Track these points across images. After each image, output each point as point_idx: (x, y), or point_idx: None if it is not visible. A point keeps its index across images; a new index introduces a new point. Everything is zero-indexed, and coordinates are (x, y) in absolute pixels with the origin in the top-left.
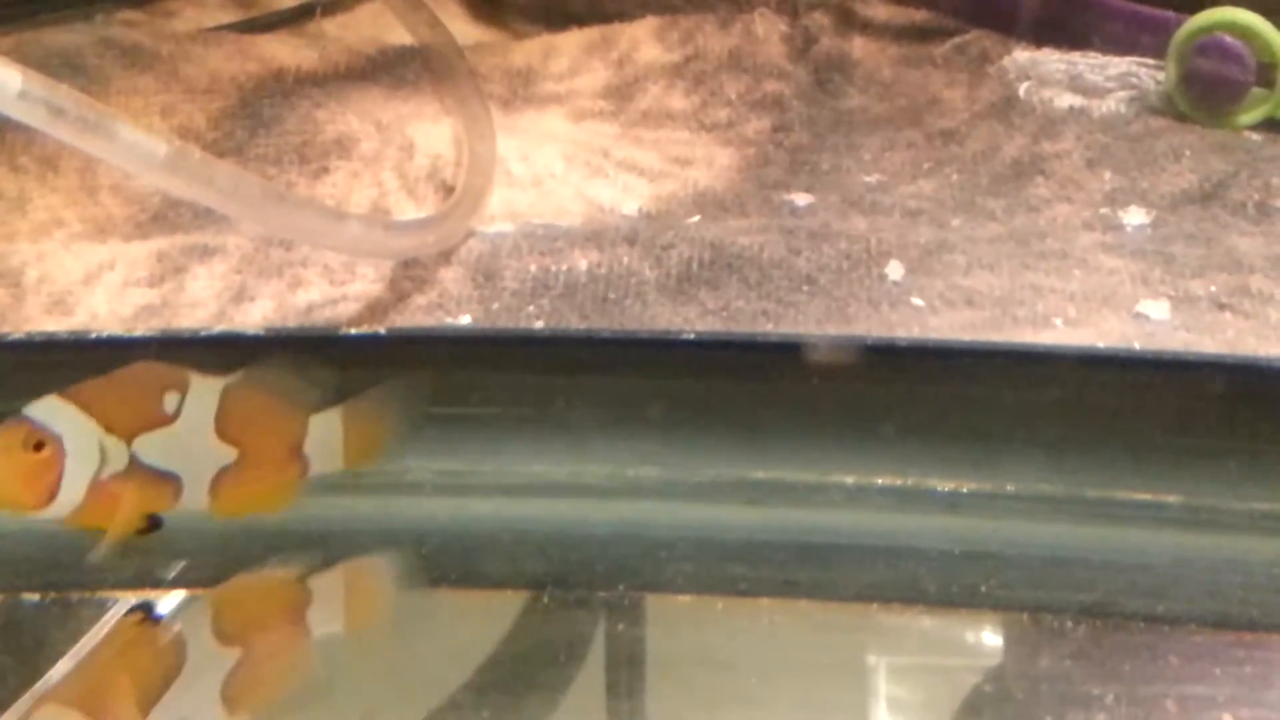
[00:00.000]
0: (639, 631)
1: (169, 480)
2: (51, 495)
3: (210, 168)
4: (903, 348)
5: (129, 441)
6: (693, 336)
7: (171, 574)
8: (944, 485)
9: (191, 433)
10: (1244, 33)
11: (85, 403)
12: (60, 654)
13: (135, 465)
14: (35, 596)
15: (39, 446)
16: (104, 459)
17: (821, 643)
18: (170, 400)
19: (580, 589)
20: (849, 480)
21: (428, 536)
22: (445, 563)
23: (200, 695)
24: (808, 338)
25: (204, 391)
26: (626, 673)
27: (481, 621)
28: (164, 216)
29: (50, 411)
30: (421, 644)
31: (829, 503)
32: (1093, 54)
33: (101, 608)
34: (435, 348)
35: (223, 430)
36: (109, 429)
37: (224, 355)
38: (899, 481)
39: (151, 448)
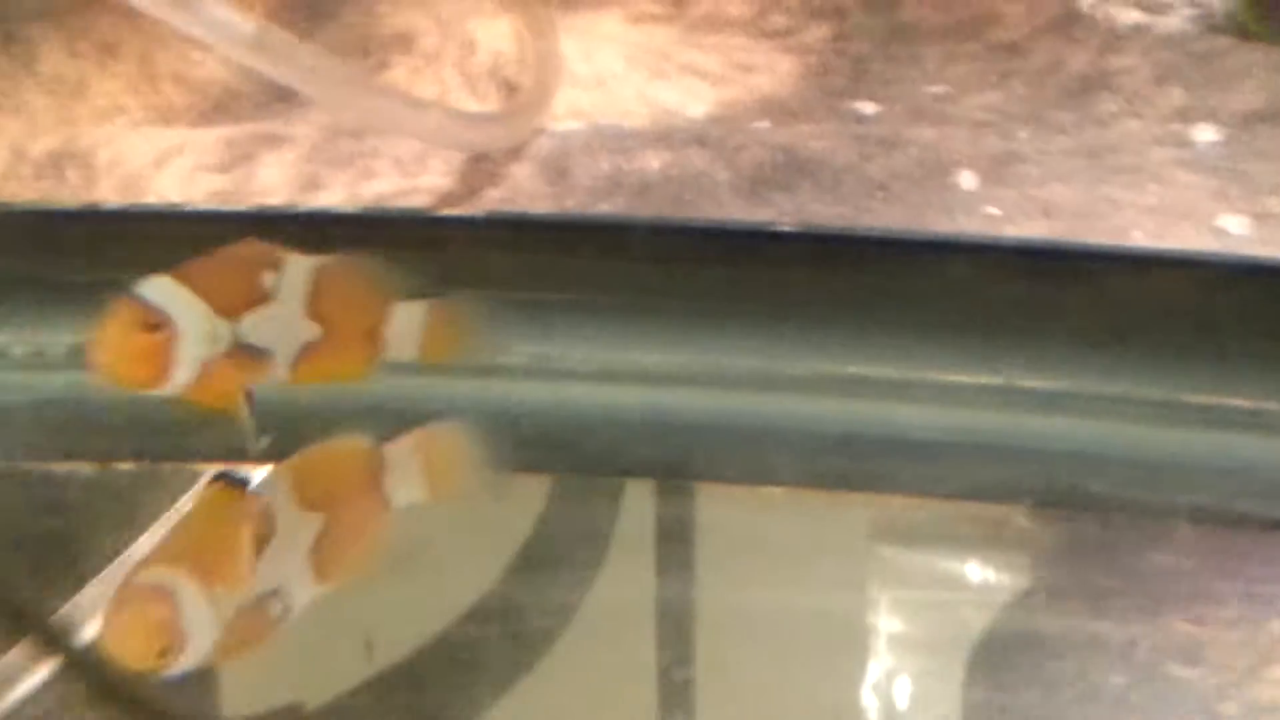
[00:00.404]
0: (728, 519)
1: (265, 356)
2: (166, 374)
3: (295, 48)
4: (1006, 247)
5: (234, 321)
6: (791, 229)
7: (259, 446)
8: (1043, 385)
9: (285, 310)
10: None
11: (196, 283)
12: (150, 523)
13: (238, 343)
14: (127, 466)
15: (154, 327)
16: (214, 339)
17: (920, 536)
18: (268, 279)
19: (665, 477)
20: (948, 378)
21: (517, 419)
22: (534, 445)
23: (290, 562)
24: (909, 233)
25: (297, 270)
26: (710, 561)
27: (565, 504)
28: (225, 106)
29: (163, 292)
30: (499, 522)
31: (926, 399)
32: None
33: (189, 477)
34: (531, 232)
35: (311, 308)
36: (218, 310)
37: (312, 234)
38: (996, 380)
39: (252, 326)
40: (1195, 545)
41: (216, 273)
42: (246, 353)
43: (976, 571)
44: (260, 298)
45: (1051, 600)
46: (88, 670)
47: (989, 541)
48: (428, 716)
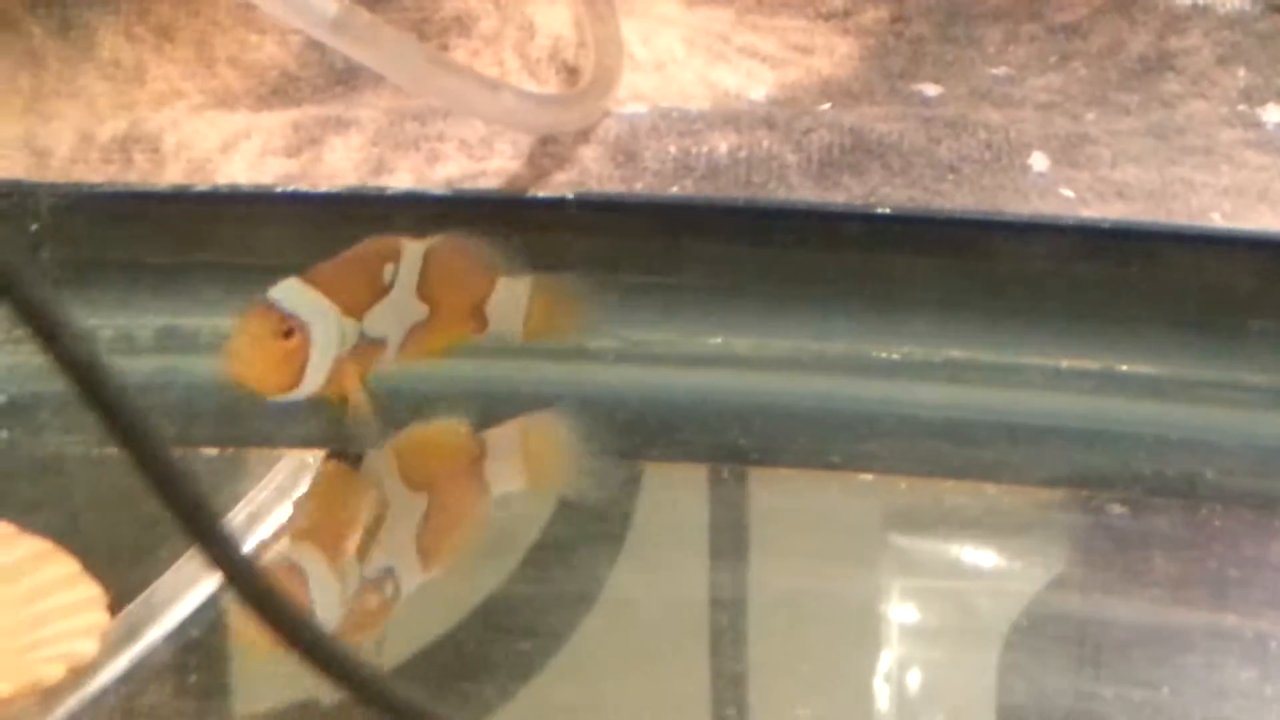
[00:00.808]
0: (826, 506)
1: (383, 345)
2: (300, 380)
3: (376, 30)
4: (1105, 229)
5: (360, 319)
6: (888, 211)
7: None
8: (1146, 369)
9: (400, 297)
10: None
11: (326, 286)
12: (233, 507)
13: (362, 339)
14: (212, 450)
15: (288, 334)
16: (342, 340)
17: (1018, 525)
18: (388, 271)
19: (757, 463)
20: (1048, 362)
21: (614, 403)
22: (631, 431)
23: (401, 542)
24: (997, 215)
25: (412, 256)
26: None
27: (665, 491)
28: (283, 90)
29: (295, 296)
30: (596, 508)
31: (1028, 384)
32: None
33: (270, 461)
34: (620, 213)
35: (420, 290)
36: (345, 310)
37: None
38: (1098, 365)
39: (375, 320)
40: None
41: (345, 273)
42: (368, 345)
43: (1077, 562)
44: (381, 291)
45: (1177, 591)
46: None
47: (1089, 531)
48: (488, 704)
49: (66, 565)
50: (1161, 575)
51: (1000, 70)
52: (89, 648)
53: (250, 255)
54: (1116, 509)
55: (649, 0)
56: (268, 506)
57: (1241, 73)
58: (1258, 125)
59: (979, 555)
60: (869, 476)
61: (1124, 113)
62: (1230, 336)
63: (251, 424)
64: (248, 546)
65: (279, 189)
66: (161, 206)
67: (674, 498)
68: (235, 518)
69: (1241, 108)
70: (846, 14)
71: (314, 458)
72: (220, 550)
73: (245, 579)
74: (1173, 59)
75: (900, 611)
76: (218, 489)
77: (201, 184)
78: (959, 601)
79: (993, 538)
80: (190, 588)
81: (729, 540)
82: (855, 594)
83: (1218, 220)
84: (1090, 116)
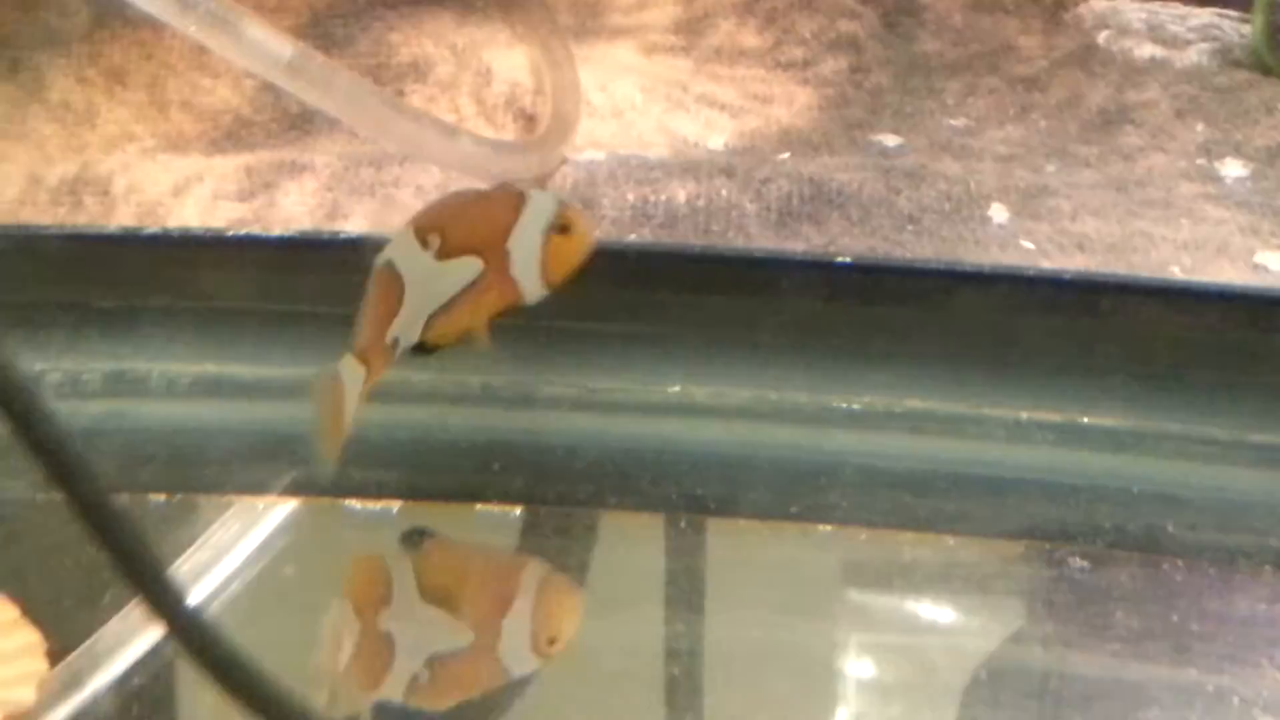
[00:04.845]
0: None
1: None
2: None
3: (331, 73)
4: (1066, 281)
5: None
6: (848, 260)
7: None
8: (1107, 422)
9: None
10: None
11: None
12: (181, 554)
13: None
14: (160, 497)
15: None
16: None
17: (997, 574)
18: None
19: (712, 513)
20: (1006, 414)
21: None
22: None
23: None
24: (964, 266)
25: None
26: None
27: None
28: (237, 134)
29: None
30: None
31: (989, 435)
32: (1173, 3)
33: (219, 508)
34: None
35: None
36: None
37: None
38: (1059, 417)
39: None
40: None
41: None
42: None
43: (1038, 616)
44: None
45: (1137, 646)
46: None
47: (1050, 585)
48: None
49: (5, 611)
50: (1123, 629)
51: (960, 121)
52: (27, 695)
53: (200, 299)
54: (1078, 562)
55: (607, 47)
56: (217, 554)
57: (1200, 127)
58: (1216, 179)
59: (939, 608)
60: (828, 528)
61: (1084, 165)
62: (1192, 389)
63: (201, 470)
64: (195, 594)
65: (230, 232)
66: (110, 249)
67: (631, 548)
68: (183, 565)
69: (1200, 161)
70: (806, 64)
71: (264, 504)
72: (161, 599)
73: (186, 628)
74: (1132, 112)
75: (859, 665)
76: (166, 536)
77: (151, 227)
78: (918, 655)
79: (953, 590)
80: (134, 637)
81: (686, 591)
82: (814, 647)
83: (1177, 274)
84: (1050, 168)
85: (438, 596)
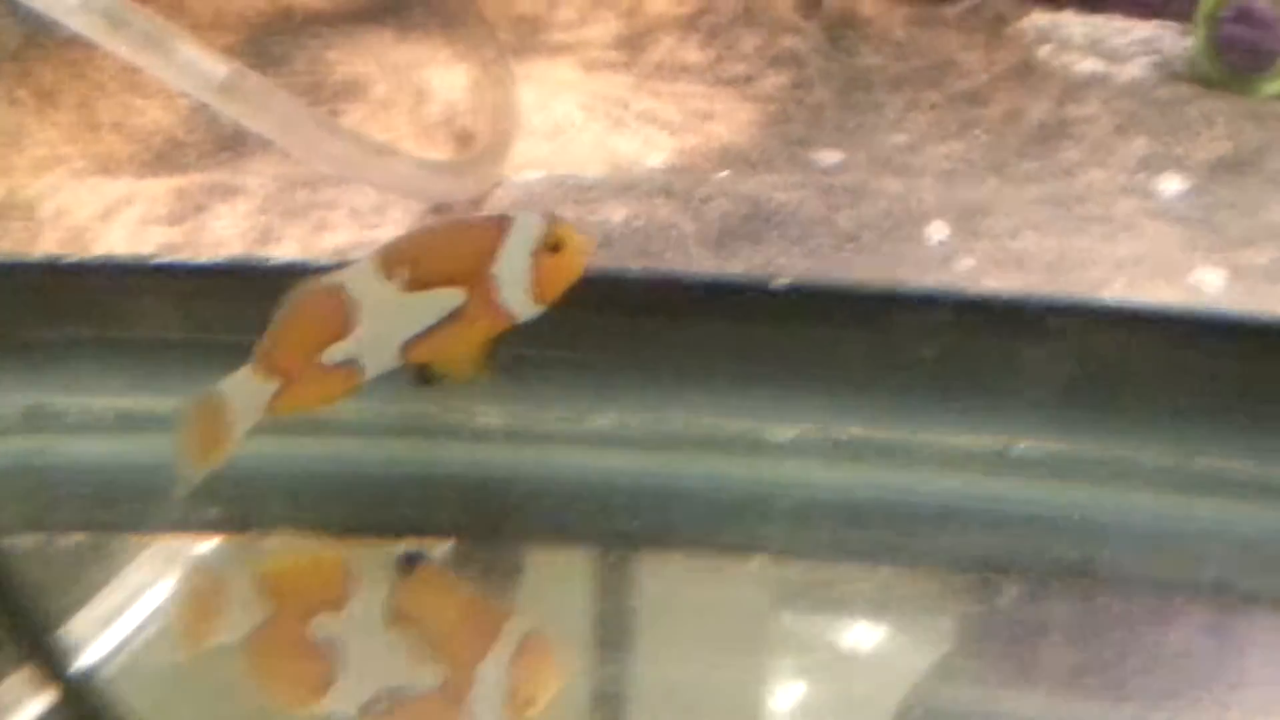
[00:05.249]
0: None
1: None
2: None
3: (265, 93)
4: (1003, 302)
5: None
6: (786, 284)
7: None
8: (1043, 448)
9: None
10: None
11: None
12: (93, 596)
13: None
14: (78, 537)
15: None
16: None
17: (933, 606)
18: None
19: (644, 546)
20: (940, 440)
21: (499, 483)
22: (517, 512)
23: None
24: (892, 286)
25: None
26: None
27: (551, 575)
28: (169, 156)
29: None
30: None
31: (923, 464)
32: (1115, 17)
33: (135, 548)
34: None
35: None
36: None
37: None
38: (994, 444)
39: None
40: (1216, 622)
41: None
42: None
43: (973, 648)
44: None
45: (1073, 679)
46: None
47: (987, 616)
48: None
49: None
50: (1058, 661)
51: (900, 138)
52: None
53: (124, 329)
54: (1013, 592)
55: (548, 64)
56: (135, 594)
57: (1140, 141)
58: (1156, 194)
59: (874, 641)
60: (762, 560)
61: (1025, 180)
62: (1129, 415)
63: (120, 509)
64: (112, 635)
65: (155, 260)
66: (31, 277)
67: (560, 582)
68: (100, 605)
69: (1140, 176)
70: (748, 80)
71: (183, 544)
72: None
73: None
74: (1072, 127)
75: (792, 699)
76: (82, 575)
77: (74, 254)
78: (853, 689)
79: (889, 623)
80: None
81: (617, 626)
82: (747, 682)
83: (1117, 290)
84: (991, 184)
85: (411, 625)
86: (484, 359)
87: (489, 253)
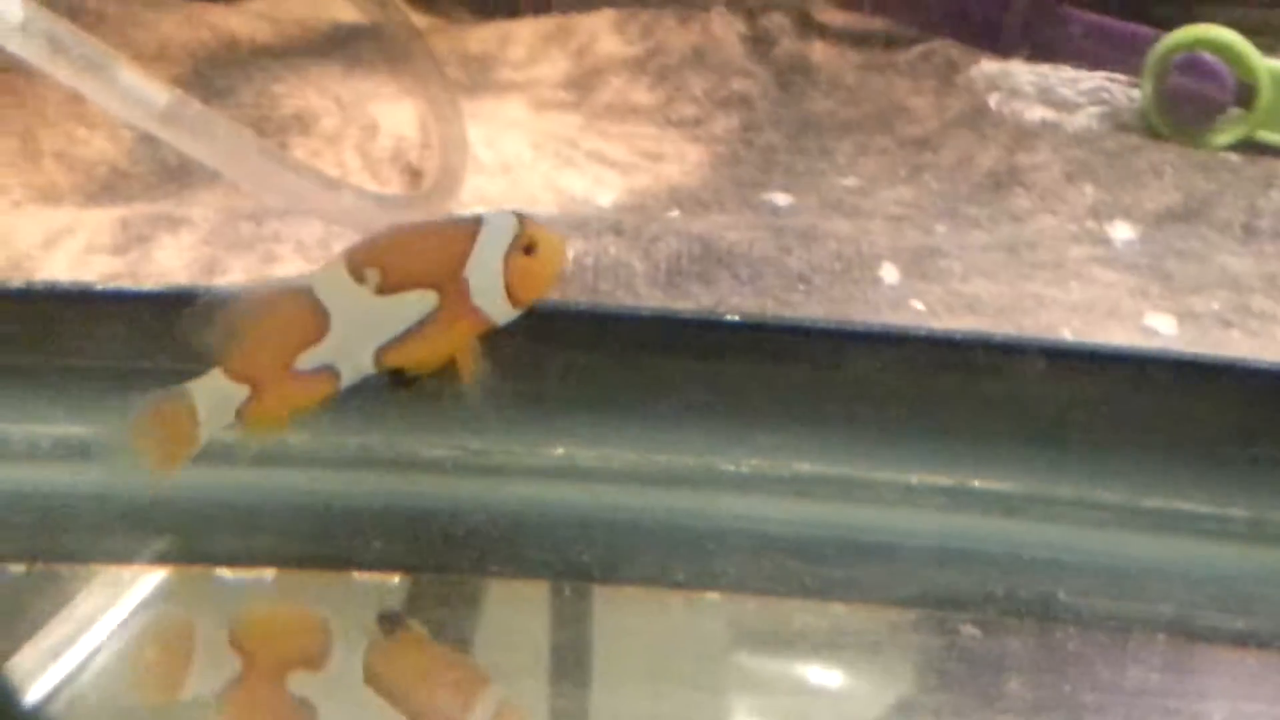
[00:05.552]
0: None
1: None
2: None
3: (209, 122)
4: (956, 341)
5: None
6: (736, 319)
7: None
8: (998, 486)
9: None
10: (1223, 51)
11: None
12: (38, 630)
13: None
14: (19, 568)
15: None
16: None
17: (887, 642)
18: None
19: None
20: (896, 478)
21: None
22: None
23: None
24: (854, 326)
25: None
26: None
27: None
28: (112, 186)
29: None
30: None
31: (878, 500)
32: (1063, 67)
33: (83, 578)
34: None
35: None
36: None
37: None
38: (949, 481)
39: None
40: (1171, 659)
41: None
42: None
43: (929, 685)
44: None
45: (1031, 716)
46: None
47: (942, 653)
48: None
49: None
50: (1015, 698)
51: (851, 181)
52: None
53: (65, 357)
54: (969, 629)
55: (496, 103)
56: (81, 626)
57: (1089, 189)
58: (1106, 242)
59: (828, 677)
60: (715, 595)
61: (974, 226)
62: (1083, 453)
63: (65, 538)
64: (58, 669)
65: (98, 287)
66: None
67: (513, 616)
68: (45, 638)
69: (1090, 224)
70: (697, 122)
71: (130, 574)
72: None
73: None
74: (1022, 174)
75: None
76: (27, 607)
77: (15, 281)
78: None
79: (842, 659)
80: None
81: (570, 661)
82: (700, 718)
83: (1067, 336)
84: (941, 229)
85: (388, 688)
86: (471, 365)
87: (460, 254)
